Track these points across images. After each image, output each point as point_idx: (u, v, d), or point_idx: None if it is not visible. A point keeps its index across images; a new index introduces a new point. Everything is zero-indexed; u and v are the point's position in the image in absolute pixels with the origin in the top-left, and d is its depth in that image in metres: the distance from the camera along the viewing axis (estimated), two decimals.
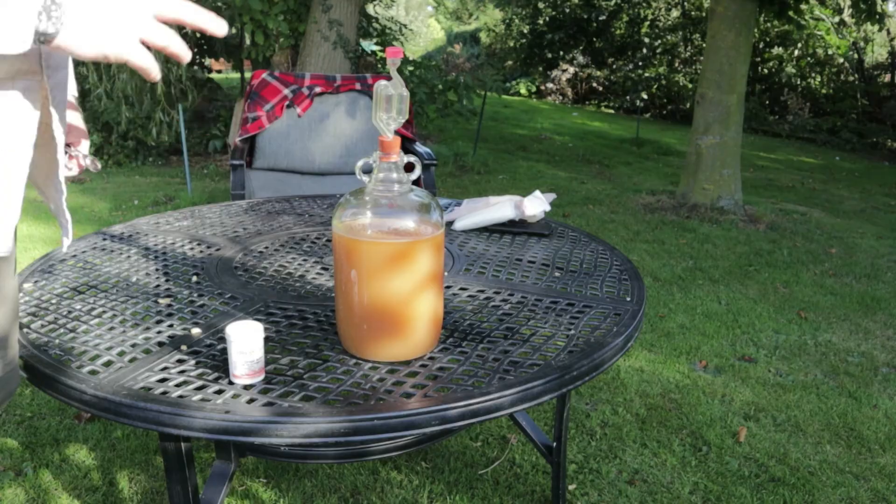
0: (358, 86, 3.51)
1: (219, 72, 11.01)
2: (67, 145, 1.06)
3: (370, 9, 7.99)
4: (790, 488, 1.82)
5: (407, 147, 3.27)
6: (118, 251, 1.40)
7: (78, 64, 5.69)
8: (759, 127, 10.94)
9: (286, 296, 1.18)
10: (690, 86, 11.49)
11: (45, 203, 0.88)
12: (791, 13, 5.30)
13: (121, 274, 1.27)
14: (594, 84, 13.57)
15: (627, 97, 12.41)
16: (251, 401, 0.84)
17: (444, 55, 15.83)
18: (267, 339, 1.01)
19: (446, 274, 1.30)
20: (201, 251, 1.41)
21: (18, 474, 1.76)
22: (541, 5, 13.77)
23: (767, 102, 11.76)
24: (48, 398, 2.10)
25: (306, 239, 1.52)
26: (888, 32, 10.98)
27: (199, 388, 0.87)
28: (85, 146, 1.10)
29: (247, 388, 0.87)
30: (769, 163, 8.02)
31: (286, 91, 3.38)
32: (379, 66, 6.71)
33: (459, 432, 1.98)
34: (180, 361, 0.94)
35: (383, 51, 6.89)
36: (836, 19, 10.14)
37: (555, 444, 1.58)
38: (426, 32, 24.03)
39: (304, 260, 1.38)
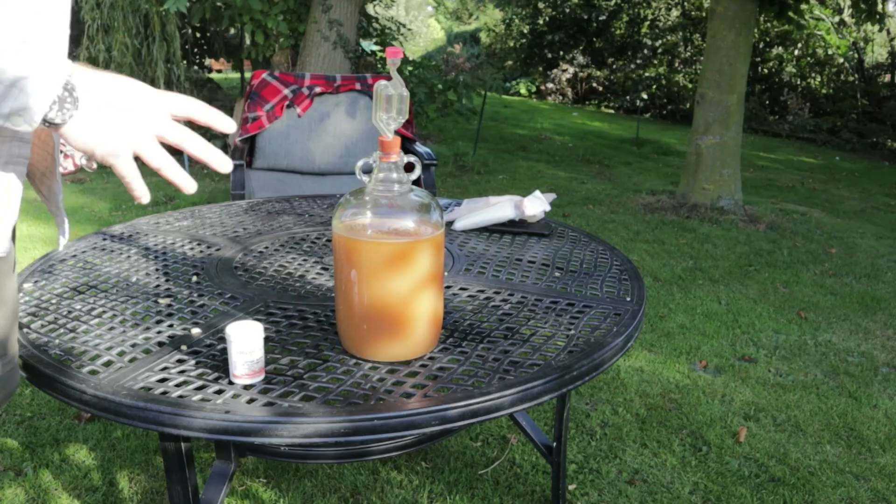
0: (358, 86, 3.51)
1: (219, 72, 11.01)
2: (62, 143, 1.06)
3: (370, 9, 7.99)
4: (790, 488, 1.82)
5: (407, 147, 3.26)
6: (118, 251, 1.40)
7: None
8: (759, 127, 10.94)
9: (286, 296, 1.18)
10: (690, 86, 11.49)
11: (43, 201, 0.88)
12: (791, 13, 5.30)
13: (121, 274, 1.27)
14: (594, 84, 13.57)
15: (627, 97, 12.41)
16: (251, 401, 0.84)
17: (444, 55, 15.83)
18: (267, 339, 1.01)
19: (446, 274, 1.30)
20: (201, 251, 1.41)
21: (18, 474, 1.76)
22: (541, 5, 13.77)
23: (767, 102, 11.76)
24: (48, 398, 2.10)
25: (306, 239, 1.52)
26: (888, 32, 10.98)
27: (199, 388, 0.87)
28: None
29: (247, 388, 0.87)
30: (769, 163, 8.02)
31: (286, 91, 3.38)
32: (379, 66, 6.71)
33: (459, 432, 1.98)
34: (180, 361, 0.94)
35: (383, 51, 6.89)
36: (836, 19, 10.14)
37: (555, 444, 1.58)
38: (426, 32, 24.03)
39: (304, 260, 1.38)
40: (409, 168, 0.96)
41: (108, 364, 0.93)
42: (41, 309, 1.11)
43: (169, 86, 5.61)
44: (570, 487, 1.78)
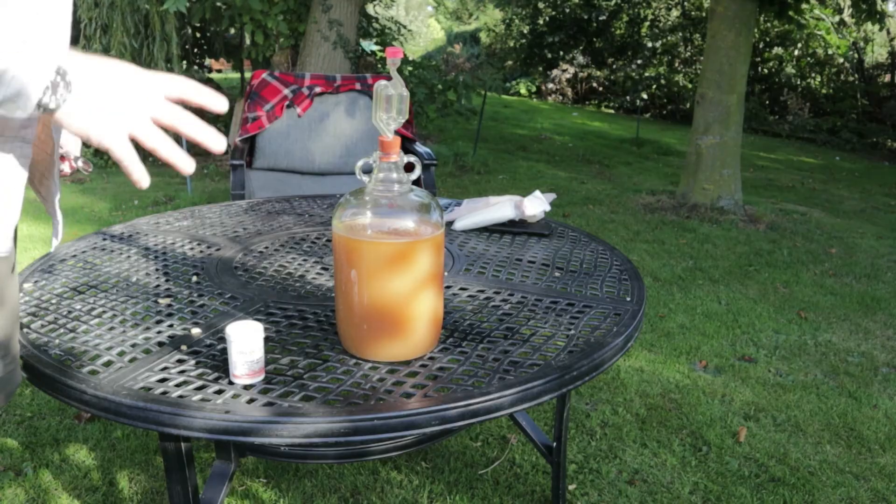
0: (358, 86, 3.51)
1: (219, 71, 11.01)
2: (59, 146, 1.06)
3: (370, 9, 7.99)
4: (790, 488, 1.82)
5: (407, 147, 3.27)
6: (118, 251, 1.40)
7: None
8: (759, 127, 10.94)
9: (286, 296, 1.18)
10: (690, 86, 11.49)
11: (42, 202, 0.88)
12: (791, 13, 5.30)
13: (121, 274, 1.27)
14: (594, 84, 13.57)
15: (627, 97, 12.41)
16: (251, 401, 0.84)
17: (444, 55, 15.83)
18: (267, 339, 1.01)
19: (446, 274, 1.30)
20: (201, 251, 1.41)
21: (18, 474, 1.76)
22: (541, 5, 13.77)
23: (767, 102, 11.76)
24: (48, 398, 2.10)
25: (306, 239, 1.52)
26: (888, 32, 10.98)
27: (199, 388, 0.87)
28: (76, 147, 1.10)
29: (247, 388, 0.87)
30: (769, 163, 8.02)
31: (286, 91, 3.38)
32: (379, 66, 6.71)
33: (459, 432, 1.98)
34: (180, 361, 0.94)
35: (383, 51, 6.89)
36: (836, 19, 10.14)
37: (555, 444, 1.58)
38: (426, 32, 24.03)
39: (304, 260, 1.38)
40: (409, 168, 0.96)
41: (108, 364, 0.93)
42: (41, 309, 1.11)
43: None
44: (570, 487, 1.78)
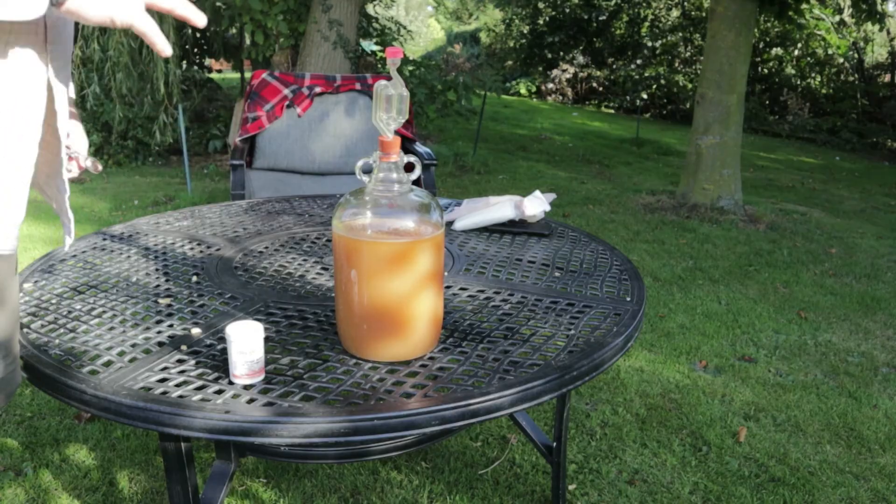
0: (358, 86, 3.51)
1: (219, 72, 11.01)
2: (66, 146, 1.06)
3: (370, 9, 7.99)
4: (790, 488, 1.82)
5: (407, 147, 3.27)
6: (118, 251, 1.40)
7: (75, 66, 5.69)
8: (759, 127, 10.94)
9: (286, 296, 1.18)
10: (690, 86, 11.49)
11: (48, 202, 0.88)
12: (791, 13, 5.30)
13: (121, 274, 1.27)
14: (594, 84, 13.57)
15: (627, 97, 12.41)
16: (251, 401, 0.84)
17: (444, 55, 15.83)
18: (267, 339, 1.01)
19: (446, 274, 1.30)
20: (201, 251, 1.41)
21: (18, 474, 1.76)
22: (541, 5, 13.76)
23: (767, 102, 11.76)
24: (48, 398, 2.10)
25: (306, 239, 1.52)
26: (888, 32, 10.98)
27: (199, 388, 0.87)
28: (84, 147, 1.09)
29: (247, 388, 0.87)
30: (769, 163, 8.02)
31: (286, 91, 3.38)
32: (379, 66, 6.71)
33: (459, 432, 1.98)
34: (180, 361, 0.94)
35: (383, 51, 6.89)
36: (836, 19, 10.14)
37: (555, 444, 1.58)
38: (426, 32, 24.03)
39: (304, 260, 1.38)
40: (409, 168, 0.96)
41: (108, 364, 0.93)
42: (41, 309, 1.11)
43: (167, 85, 5.61)
44: (570, 487, 1.78)
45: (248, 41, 6.30)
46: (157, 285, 1.22)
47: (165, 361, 0.94)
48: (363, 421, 0.80)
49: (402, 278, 0.91)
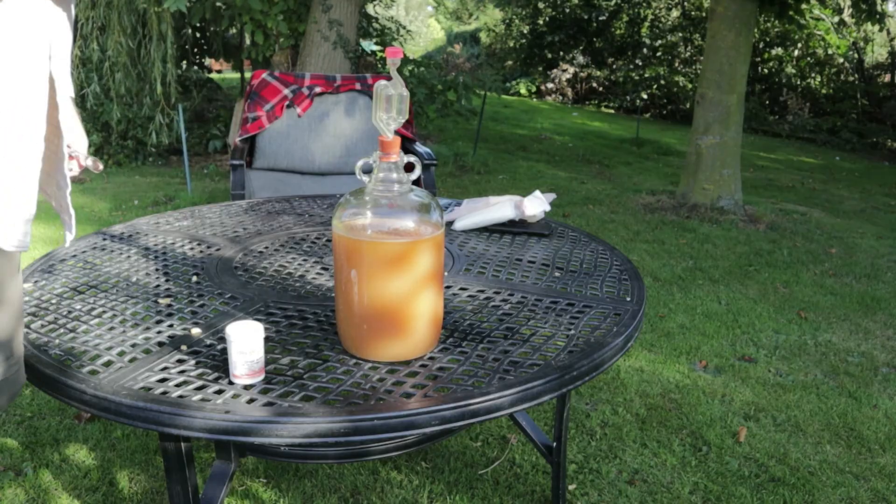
0: (358, 86, 3.51)
1: (219, 72, 11.00)
2: (66, 145, 1.06)
3: (370, 9, 7.98)
4: (790, 488, 1.82)
5: (407, 147, 3.26)
6: (118, 251, 1.40)
7: (75, 66, 5.69)
8: (759, 127, 10.93)
9: (286, 296, 1.18)
10: (690, 86, 11.49)
11: (48, 200, 0.88)
12: (791, 13, 5.30)
13: (121, 274, 1.27)
14: (594, 84, 13.57)
15: (627, 97, 12.41)
16: (251, 401, 0.84)
17: (444, 55, 15.83)
18: (267, 339, 1.01)
19: (446, 274, 1.30)
20: (201, 251, 1.41)
21: (18, 474, 1.76)
22: (541, 5, 13.76)
23: (767, 102, 11.75)
24: (48, 398, 2.10)
25: (306, 239, 1.52)
26: (888, 32, 10.98)
27: (199, 388, 0.87)
28: (84, 145, 1.10)
29: (247, 388, 0.87)
30: (769, 163, 8.02)
31: (286, 91, 3.38)
32: (379, 66, 6.71)
33: (459, 432, 1.98)
34: (180, 361, 0.94)
35: (383, 51, 6.89)
36: (836, 19, 10.14)
37: (555, 444, 1.58)
38: (426, 32, 24.02)
39: (304, 260, 1.38)
40: (409, 168, 0.96)
41: (108, 364, 0.93)
42: (41, 309, 1.11)
43: (165, 86, 5.62)
44: (570, 487, 1.78)
45: (248, 41, 6.30)
46: (157, 285, 1.22)
47: (165, 361, 0.94)
48: (363, 421, 0.80)
49: (402, 278, 0.91)
